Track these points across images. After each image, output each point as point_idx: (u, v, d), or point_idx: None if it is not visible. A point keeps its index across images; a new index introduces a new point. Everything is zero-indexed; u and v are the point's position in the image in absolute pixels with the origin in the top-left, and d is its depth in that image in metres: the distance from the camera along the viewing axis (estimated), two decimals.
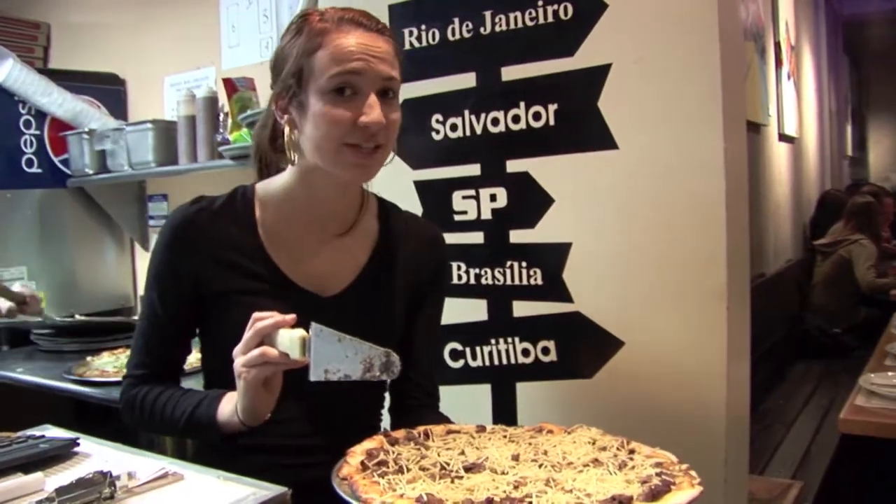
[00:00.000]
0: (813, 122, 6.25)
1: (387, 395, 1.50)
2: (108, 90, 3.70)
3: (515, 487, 0.96)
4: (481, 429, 1.27)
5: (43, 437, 1.28)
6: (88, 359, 2.71)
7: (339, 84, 1.22)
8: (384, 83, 1.25)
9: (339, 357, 1.10)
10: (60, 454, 1.22)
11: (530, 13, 1.71)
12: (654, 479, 0.96)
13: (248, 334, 1.16)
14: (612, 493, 0.91)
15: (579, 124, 1.68)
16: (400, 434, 1.22)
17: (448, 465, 1.04)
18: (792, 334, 4.94)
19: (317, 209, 1.36)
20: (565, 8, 1.67)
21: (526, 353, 1.79)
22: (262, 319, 1.15)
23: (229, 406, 1.25)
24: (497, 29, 1.76)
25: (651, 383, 1.64)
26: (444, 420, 1.40)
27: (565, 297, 1.74)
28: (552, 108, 1.71)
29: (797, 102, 5.38)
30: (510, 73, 1.76)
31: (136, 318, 3.73)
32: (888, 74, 10.04)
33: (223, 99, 2.97)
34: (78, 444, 1.26)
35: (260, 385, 1.17)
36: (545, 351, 1.77)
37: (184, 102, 3.06)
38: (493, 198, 1.81)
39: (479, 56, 1.79)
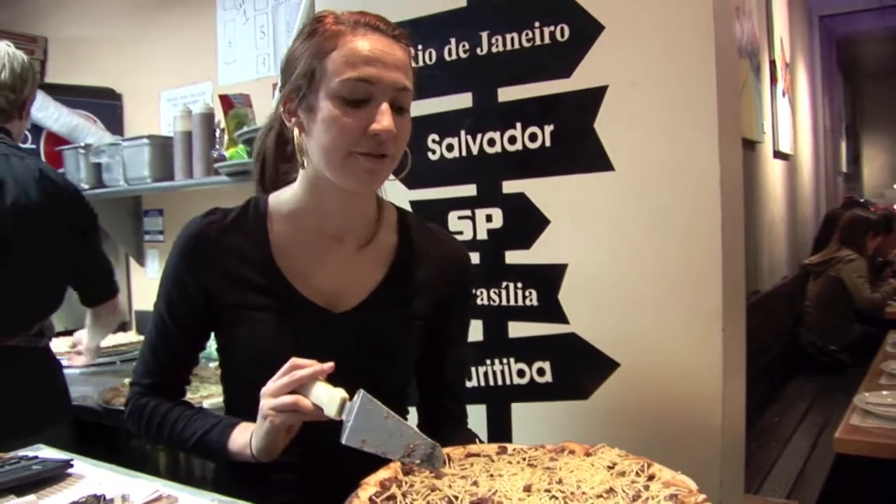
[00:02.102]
0: (808, 138, 6.27)
1: (413, 411, 1.47)
2: (105, 105, 3.72)
3: None
4: (502, 450, 1.24)
5: (36, 457, 1.28)
6: (119, 385, 2.64)
7: (351, 89, 1.18)
8: (397, 93, 1.21)
9: (381, 433, 1.08)
10: (54, 476, 1.22)
11: (527, 34, 1.72)
12: None
13: (282, 379, 1.13)
14: None
15: (575, 145, 1.69)
16: None
17: (456, 499, 1.03)
18: (787, 351, 4.93)
19: (328, 221, 1.33)
20: (562, 29, 1.68)
21: (521, 373, 1.79)
22: (300, 367, 1.13)
23: (242, 437, 1.23)
24: (494, 50, 1.77)
25: (646, 405, 1.63)
26: (470, 439, 1.37)
27: (561, 318, 1.73)
28: (548, 129, 1.72)
29: (792, 119, 5.39)
30: (507, 93, 1.77)
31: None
32: (881, 91, 10.13)
33: (219, 115, 2.99)
34: (72, 466, 1.26)
35: (283, 430, 1.15)
36: (541, 372, 1.77)
37: (180, 118, 3.07)
38: (488, 218, 1.81)
39: (475, 76, 1.80)
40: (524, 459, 1.20)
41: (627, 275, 1.65)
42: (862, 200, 8.73)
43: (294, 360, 1.14)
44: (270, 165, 1.41)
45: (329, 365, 1.13)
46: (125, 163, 3.19)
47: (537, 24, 1.71)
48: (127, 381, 2.58)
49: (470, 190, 1.83)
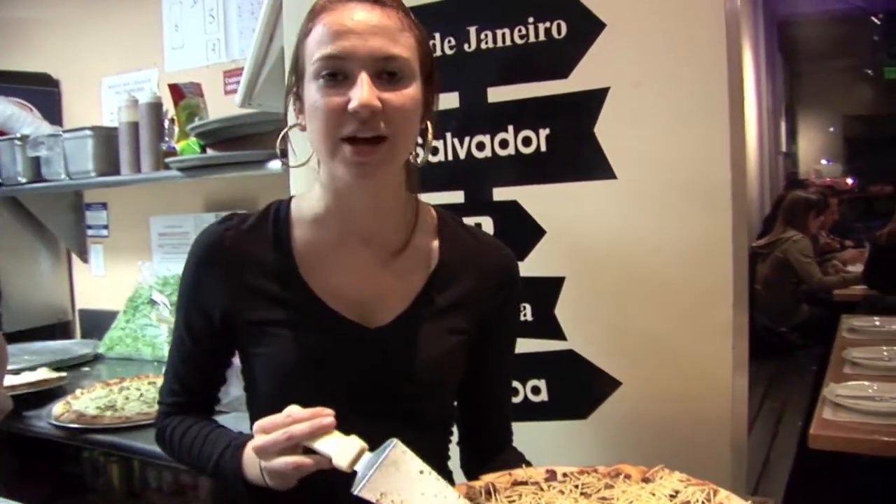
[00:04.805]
0: (752, 119, 6.31)
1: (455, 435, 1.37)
2: (42, 92, 3.48)
3: None
4: (551, 476, 1.13)
5: None
6: (69, 398, 2.47)
7: (324, 69, 1.07)
8: (381, 62, 1.08)
9: (409, 490, 0.95)
10: None
11: (520, 30, 1.60)
12: None
13: (276, 434, 1.01)
14: None
15: (573, 151, 1.58)
16: (460, 492, 1.08)
17: None
18: None
19: (353, 224, 1.20)
20: (559, 26, 1.57)
21: (515, 392, 1.68)
22: (298, 421, 1.01)
23: (254, 469, 1.11)
24: (483, 46, 1.64)
25: (650, 424, 1.55)
26: (517, 460, 1.25)
27: (557, 334, 1.63)
28: (543, 132, 1.61)
29: None
30: (497, 94, 1.64)
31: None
32: (817, 71, 10.35)
33: (168, 104, 2.81)
34: None
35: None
36: (535, 390, 1.67)
37: (125, 108, 2.87)
38: (478, 228, 1.69)
39: (462, 75, 1.67)
40: (576, 487, 1.09)
41: (629, 289, 1.56)
42: (803, 179, 8.92)
43: (292, 411, 1.02)
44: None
45: (330, 419, 1.01)
46: (66, 156, 2.98)
47: (531, 19, 1.59)
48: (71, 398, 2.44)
49: (457, 197, 1.71)
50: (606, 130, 1.55)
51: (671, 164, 1.50)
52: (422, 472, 0.97)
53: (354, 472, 0.98)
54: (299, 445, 1.01)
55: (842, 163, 10.77)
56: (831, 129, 11.12)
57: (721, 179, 1.45)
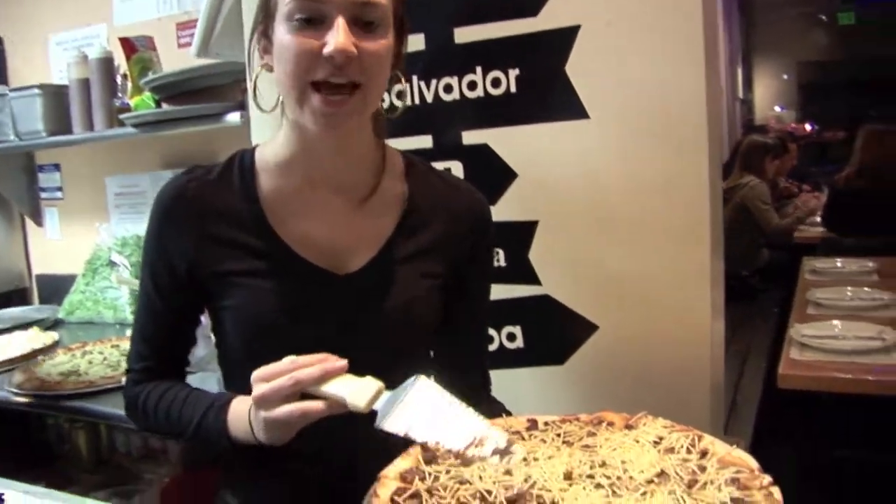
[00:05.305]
0: None
1: None
2: None
3: None
4: (532, 425, 1.11)
5: None
6: (30, 364, 2.40)
7: (299, 11, 1.03)
8: (358, 8, 1.04)
9: (437, 421, 0.92)
10: None
11: None
12: None
13: (282, 380, 0.98)
14: None
15: (544, 91, 1.54)
16: None
17: (489, 494, 0.91)
18: None
19: (318, 171, 1.17)
20: None
21: (490, 339, 1.66)
22: (303, 367, 0.98)
23: (241, 426, 1.08)
24: None
25: (629, 369, 1.53)
26: (497, 412, 1.23)
27: (532, 279, 1.61)
28: (513, 73, 1.56)
29: None
30: (464, 34, 1.60)
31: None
32: (772, 20, 10.39)
33: (119, 60, 2.71)
34: (2, 501, 1.08)
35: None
36: (511, 337, 1.65)
37: (74, 64, 2.78)
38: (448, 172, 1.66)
39: (428, 15, 1.61)
40: (558, 436, 1.07)
41: (605, 232, 1.53)
42: (762, 125, 9.00)
43: (293, 359, 0.99)
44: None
45: (343, 362, 0.98)
46: (14, 115, 2.88)
47: None
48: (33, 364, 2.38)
49: (425, 142, 1.67)
50: (578, 70, 1.51)
51: (645, 104, 1.47)
52: (450, 404, 0.94)
53: (367, 415, 0.95)
54: (298, 394, 0.98)
55: (795, 109, 10.91)
56: (785, 77, 11.23)
57: (697, 118, 1.43)
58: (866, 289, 3.07)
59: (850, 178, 4.72)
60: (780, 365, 2.44)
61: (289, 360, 0.99)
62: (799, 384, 2.39)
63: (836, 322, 2.62)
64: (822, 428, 2.67)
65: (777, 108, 11.01)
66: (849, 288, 3.09)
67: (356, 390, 0.95)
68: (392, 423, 0.92)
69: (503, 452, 0.92)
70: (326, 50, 1.02)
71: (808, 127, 9.80)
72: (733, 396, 3.55)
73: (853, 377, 2.24)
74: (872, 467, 2.52)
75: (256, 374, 1.00)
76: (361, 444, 1.09)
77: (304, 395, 0.99)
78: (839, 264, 3.66)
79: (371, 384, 0.95)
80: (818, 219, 5.15)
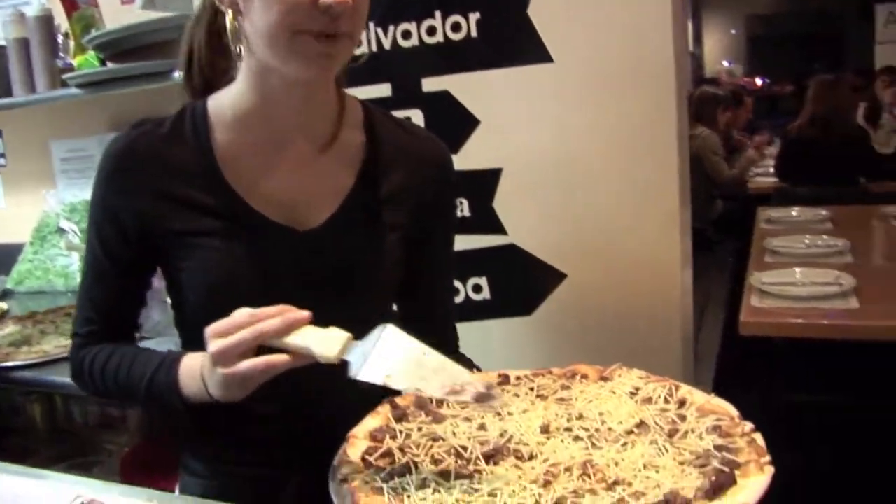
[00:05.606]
0: None
1: None
2: None
3: (546, 485, 0.81)
4: (504, 380, 1.08)
5: None
6: None
7: None
8: None
9: (415, 369, 0.88)
10: None
11: None
12: (712, 459, 0.83)
13: (242, 333, 0.92)
14: (663, 493, 0.78)
15: (506, 35, 1.50)
16: (408, 401, 1.02)
17: (465, 450, 0.88)
18: None
19: (280, 122, 1.12)
20: None
21: (455, 292, 1.63)
22: (264, 318, 0.92)
23: (193, 382, 1.03)
24: None
25: (598, 318, 1.52)
26: (465, 367, 1.20)
27: (497, 228, 1.59)
28: (473, 17, 1.52)
29: None
30: None
31: None
32: None
33: (59, 18, 2.61)
34: None
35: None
36: (476, 288, 1.63)
37: (11, 23, 2.64)
38: (408, 120, 1.61)
39: None
40: (532, 390, 1.05)
41: (571, 178, 1.51)
42: (713, 78, 9.07)
43: (251, 311, 0.94)
44: (205, 65, 1.16)
45: (306, 313, 0.93)
46: None
47: None
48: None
49: (384, 90, 1.63)
50: (541, 12, 1.48)
51: (611, 46, 1.44)
52: (425, 353, 0.90)
53: (329, 372, 0.91)
54: (255, 349, 0.94)
55: (743, 63, 11.03)
56: (733, 32, 11.34)
57: (664, 61, 1.41)
58: (824, 236, 3.10)
59: (803, 127, 4.78)
60: (741, 312, 2.46)
61: (245, 313, 0.94)
62: (760, 331, 2.42)
63: (796, 269, 2.64)
64: (782, 375, 2.70)
65: (725, 63, 11.13)
66: (806, 236, 3.13)
67: (323, 340, 0.91)
68: (368, 373, 0.88)
69: (484, 397, 0.89)
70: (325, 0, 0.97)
71: (758, 81, 9.91)
72: (694, 346, 3.59)
73: (811, 322, 2.26)
74: (832, 410, 2.56)
75: (211, 328, 0.95)
76: (327, 401, 1.07)
77: (261, 350, 0.95)
78: (794, 213, 3.70)
79: (338, 334, 0.91)
80: (771, 169, 5.19)
